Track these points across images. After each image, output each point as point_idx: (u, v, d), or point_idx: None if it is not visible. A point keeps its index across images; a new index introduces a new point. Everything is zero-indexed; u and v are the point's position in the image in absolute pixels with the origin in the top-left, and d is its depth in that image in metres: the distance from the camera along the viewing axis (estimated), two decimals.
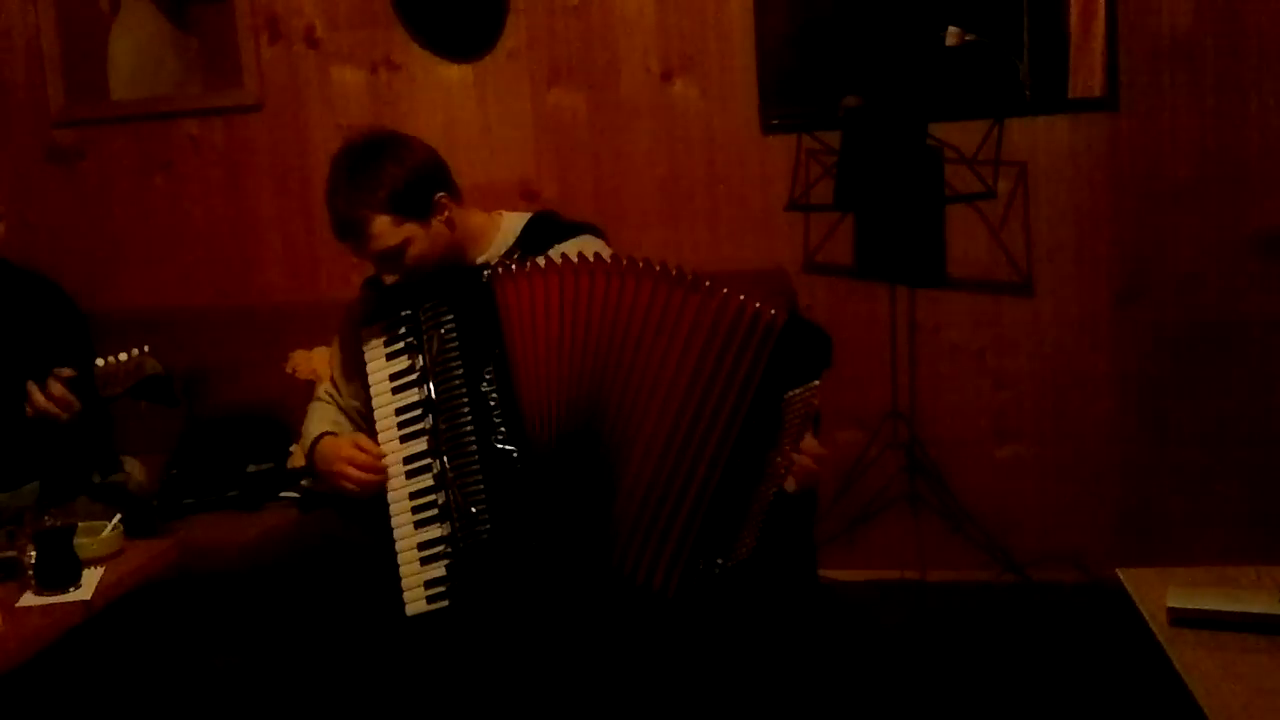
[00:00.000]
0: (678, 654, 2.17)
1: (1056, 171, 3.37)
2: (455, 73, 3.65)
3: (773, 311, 2.01)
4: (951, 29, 3.33)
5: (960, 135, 3.33)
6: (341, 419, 2.48)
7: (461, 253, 2.41)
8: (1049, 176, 3.37)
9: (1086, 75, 3.33)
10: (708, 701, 2.20)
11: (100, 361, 2.51)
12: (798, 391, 2.02)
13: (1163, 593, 1.85)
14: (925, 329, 3.47)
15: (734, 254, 3.49)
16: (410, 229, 2.29)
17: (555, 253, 2.27)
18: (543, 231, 2.44)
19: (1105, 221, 3.37)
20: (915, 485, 3.42)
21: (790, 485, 2.10)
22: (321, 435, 2.40)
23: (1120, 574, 2.01)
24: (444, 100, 3.65)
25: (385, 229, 2.27)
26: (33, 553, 2.22)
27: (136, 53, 3.83)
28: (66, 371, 2.52)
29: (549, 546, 2.16)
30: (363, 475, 2.26)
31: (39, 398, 2.51)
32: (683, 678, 2.19)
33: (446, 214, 2.34)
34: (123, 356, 2.52)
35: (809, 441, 2.12)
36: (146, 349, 2.54)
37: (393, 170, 2.28)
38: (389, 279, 2.35)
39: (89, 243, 3.92)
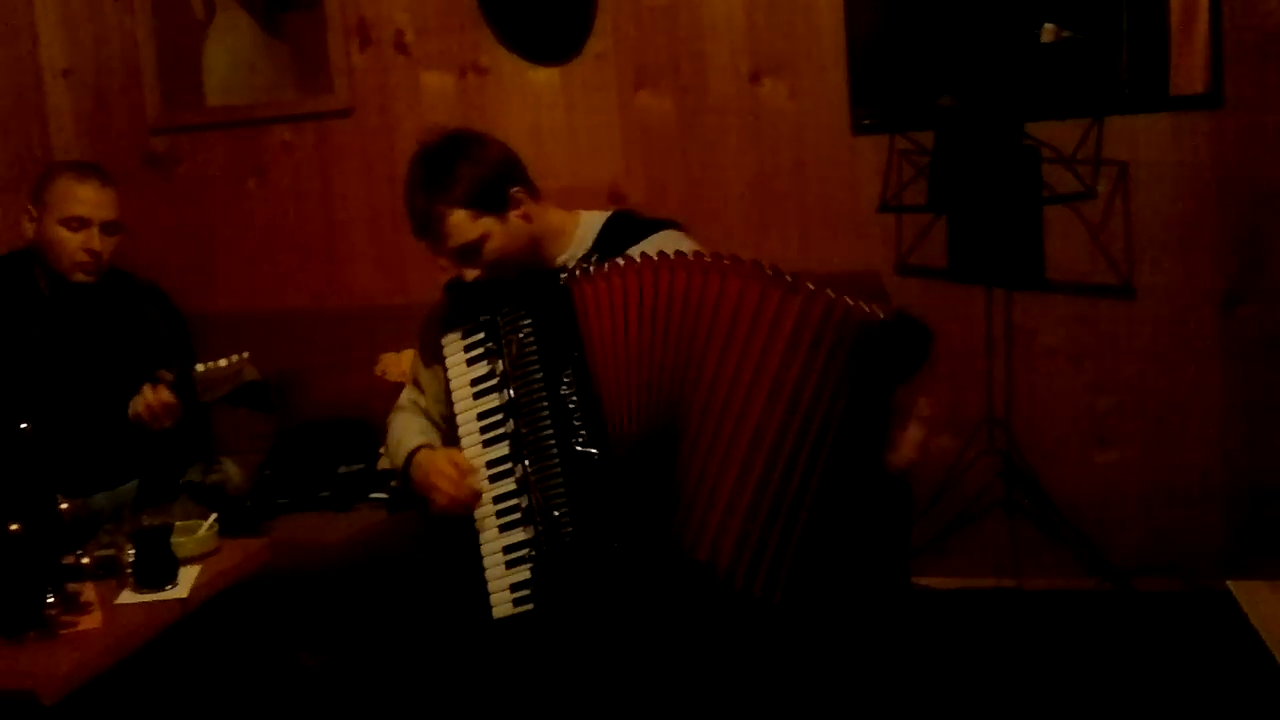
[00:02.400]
0: (768, 657, 2.13)
1: (1158, 171, 3.27)
2: (543, 76, 3.65)
3: (880, 315, 1.96)
4: (1047, 25, 3.26)
5: (1058, 134, 3.26)
6: (430, 429, 2.49)
7: (540, 251, 2.41)
8: (1150, 176, 3.28)
9: (1189, 71, 3.23)
10: (798, 705, 2.16)
11: (200, 367, 2.55)
12: (902, 387, 1.98)
13: (1277, 606, 1.79)
14: (1022, 333, 3.39)
15: (824, 256, 3.44)
16: (487, 223, 2.30)
17: (635, 251, 2.26)
18: (621, 230, 2.43)
19: (1209, 222, 3.26)
20: (1011, 492, 3.35)
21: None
22: (418, 449, 2.40)
23: (1230, 586, 1.95)
24: (531, 104, 3.65)
25: (462, 223, 2.29)
26: (131, 551, 2.25)
27: (230, 59, 3.88)
28: (169, 375, 2.57)
29: (635, 549, 2.13)
30: (454, 499, 2.26)
31: (150, 398, 2.56)
32: (773, 681, 2.15)
33: (523, 208, 2.35)
34: (222, 363, 2.56)
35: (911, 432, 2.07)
36: (245, 355, 2.57)
37: (467, 167, 2.30)
38: (470, 274, 2.34)
39: (185, 247, 3.99)
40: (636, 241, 2.35)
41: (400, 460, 2.45)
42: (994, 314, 3.37)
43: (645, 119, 3.58)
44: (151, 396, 2.57)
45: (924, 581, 3.37)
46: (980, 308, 3.38)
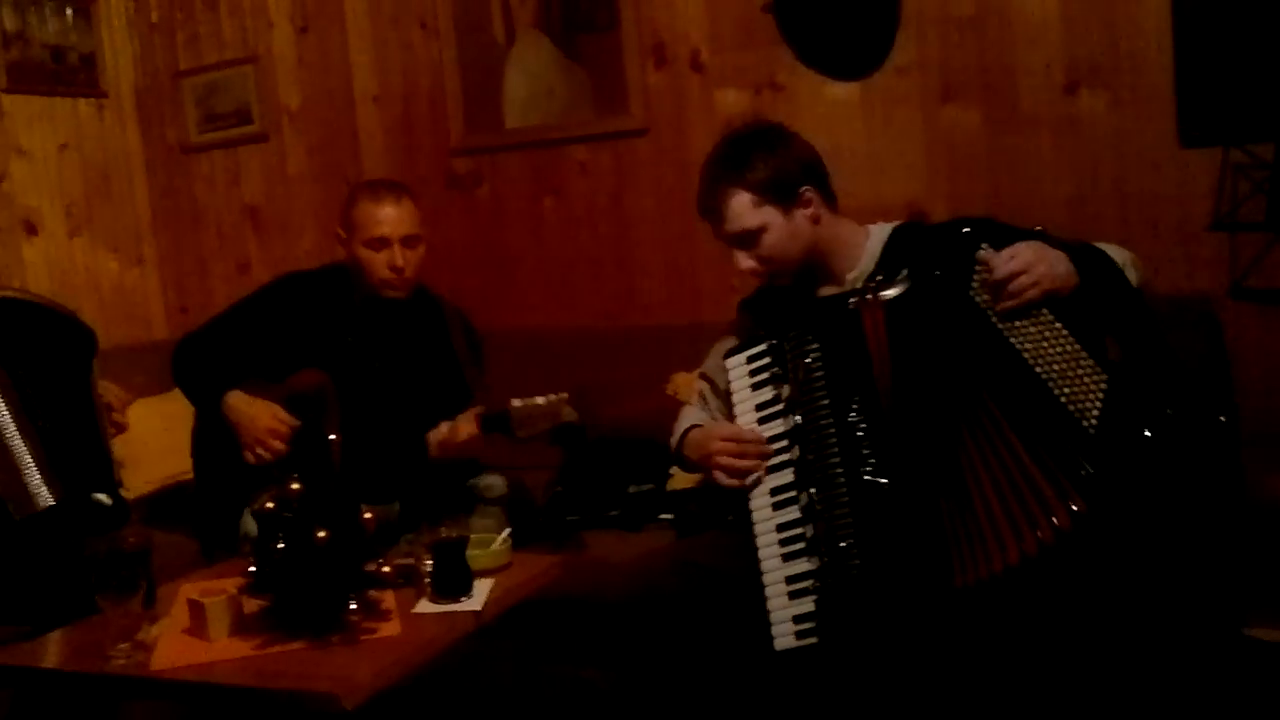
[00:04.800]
0: (1078, 702, 2.00)
1: None
2: (841, 92, 3.54)
3: None
4: None
5: None
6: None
7: (826, 262, 2.36)
8: None
9: None
10: None
11: (517, 402, 2.58)
12: None
13: None
14: None
15: (1148, 277, 3.17)
16: (769, 213, 2.28)
17: None
18: (905, 243, 2.33)
19: None
20: None
21: None
22: (691, 427, 2.41)
23: None
24: (829, 120, 3.54)
25: (743, 208, 2.28)
26: (429, 562, 2.27)
27: (529, 82, 3.95)
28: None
29: (926, 582, 2.04)
30: (735, 462, 2.24)
31: (445, 432, 2.62)
32: None
33: (812, 210, 2.30)
34: (539, 400, 2.59)
35: None
36: (564, 396, 2.59)
37: (762, 155, 2.30)
38: (745, 263, 2.32)
39: (484, 265, 4.07)
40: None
41: (675, 442, 2.46)
42: None
43: (950, 134, 3.41)
44: (447, 431, 2.63)
45: (1261, 634, 3.05)
46: None
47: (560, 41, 3.89)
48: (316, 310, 2.96)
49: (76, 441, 2.64)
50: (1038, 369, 2.02)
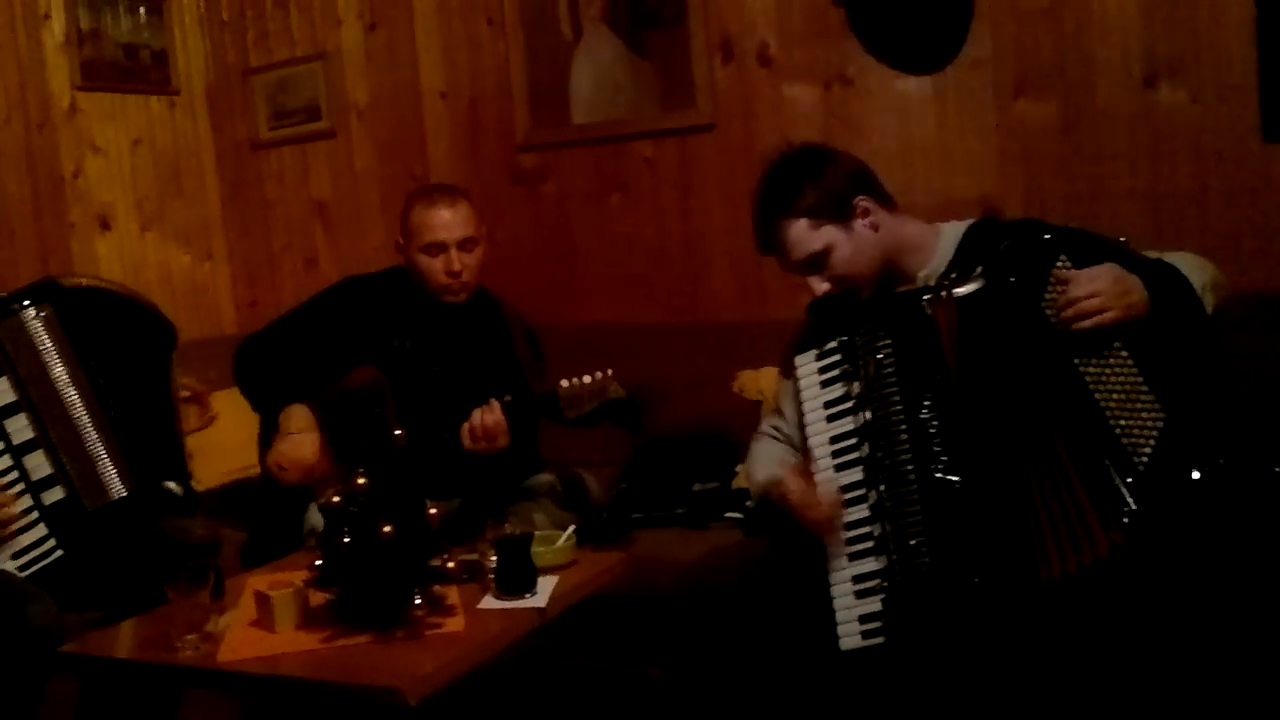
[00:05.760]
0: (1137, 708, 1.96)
1: None
2: (912, 85, 3.48)
3: None
4: None
5: None
6: (789, 456, 2.42)
7: (898, 265, 2.32)
8: None
9: None
10: None
11: (565, 383, 2.57)
12: None
13: None
14: None
15: (1231, 276, 3.05)
16: (829, 232, 2.26)
17: None
18: (981, 241, 2.28)
19: None
20: None
21: None
22: (769, 482, 2.36)
23: None
24: (899, 115, 3.49)
25: (803, 235, 2.26)
26: (493, 558, 2.27)
27: (595, 78, 3.94)
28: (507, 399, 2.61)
29: (995, 583, 2.01)
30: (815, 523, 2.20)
31: (476, 420, 2.61)
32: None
33: (870, 218, 2.28)
34: (586, 379, 2.58)
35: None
36: (610, 373, 2.57)
37: (809, 181, 2.28)
38: (819, 286, 2.30)
39: (549, 261, 4.07)
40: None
41: (755, 497, 2.43)
42: None
43: (1024, 128, 3.34)
44: (477, 418, 2.61)
45: None
46: None
47: (627, 37, 3.87)
48: (376, 314, 2.96)
49: (150, 432, 2.67)
50: (1097, 395, 2.01)
